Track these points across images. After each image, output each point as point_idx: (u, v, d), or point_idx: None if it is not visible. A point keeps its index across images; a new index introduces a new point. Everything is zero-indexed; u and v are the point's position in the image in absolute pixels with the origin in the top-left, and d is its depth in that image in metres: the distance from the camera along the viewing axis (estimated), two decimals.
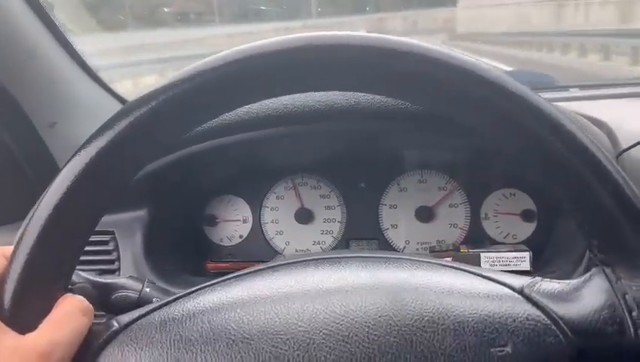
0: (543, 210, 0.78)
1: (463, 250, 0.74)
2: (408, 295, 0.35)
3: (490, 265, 0.72)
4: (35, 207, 0.36)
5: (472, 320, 0.34)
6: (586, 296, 0.35)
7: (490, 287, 0.36)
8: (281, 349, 0.34)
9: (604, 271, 0.36)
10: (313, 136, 0.71)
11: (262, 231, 0.84)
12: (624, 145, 0.68)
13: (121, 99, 0.88)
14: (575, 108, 0.78)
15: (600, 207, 0.34)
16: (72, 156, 0.36)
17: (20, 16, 0.78)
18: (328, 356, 0.33)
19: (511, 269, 0.71)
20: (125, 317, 0.39)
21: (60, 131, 0.81)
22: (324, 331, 0.34)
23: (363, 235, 0.82)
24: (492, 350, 0.33)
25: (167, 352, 0.36)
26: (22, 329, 0.36)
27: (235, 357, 0.34)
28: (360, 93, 0.65)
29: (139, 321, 0.38)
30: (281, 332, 0.35)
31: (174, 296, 0.40)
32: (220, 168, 0.80)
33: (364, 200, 0.82)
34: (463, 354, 0.33)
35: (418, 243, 0.81)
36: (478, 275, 0.37)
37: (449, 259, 0.72)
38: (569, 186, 0.35)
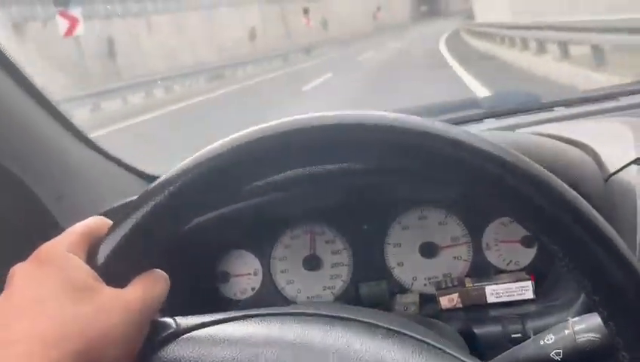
0: None
1: (468, 284, 0.76)
2: None
3: (496, 298, 0.74)
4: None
5: None
6: None
7: None
8: None
9: None
10: (314, 190, 0.74)
11: (273, 281, 0.86)
12: (611, 169, 0.71)
13: (123, 165, 0.90)
14: (560, 131, 0.81)
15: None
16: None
17: (10, 95, 0.81)
18: None
19: (515, 299, 0.74)
20: (184, 321, 0.42)
21: (67, 203, 0.84)
22: None
23: (371, 276, 0.85)
24: None
25: None
26: (116, 285, 0.39)
27: None
28: None
29: (198, 331, 0.41)
30: None
31: (233, 315, 0.43)
32: (226, 228, 0.83)
33: (369, 242, 0.85)
34: None
35: (425, 278, 0.83)
36: None
37: (456, 295, 0.75)
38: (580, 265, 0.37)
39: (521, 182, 0.38)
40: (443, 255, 0.83)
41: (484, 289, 0.74)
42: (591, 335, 0.51)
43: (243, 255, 0.87)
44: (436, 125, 0.39)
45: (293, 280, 0.86)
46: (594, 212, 0.38)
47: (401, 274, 0.84)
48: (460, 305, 0.75)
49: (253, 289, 0.87)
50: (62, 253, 0.39)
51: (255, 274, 0.87)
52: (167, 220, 0.41)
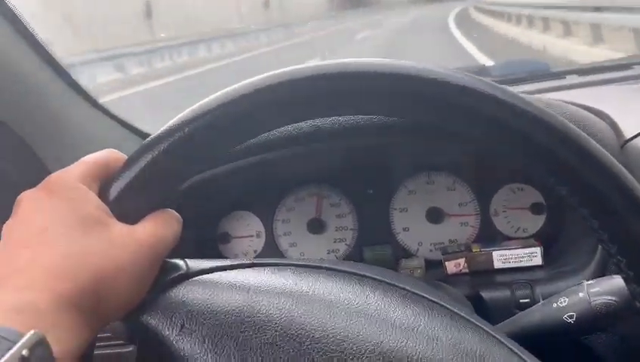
0: (552, 202, 0.79)
1: (475, 249, 0.75)
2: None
3: (503, 263, 0.73)
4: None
5: None
6: None
7: None
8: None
9: None
10: (320, 150, 0.72)
11: (275, 244, 0.85)
12: (627, 135, 0.69)
13: (127, 126, 0.88)
14: (574, 98, 0.79)
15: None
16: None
17: (18, 53, 0.78)
18: None
19: (524, 265, 0.73)
20: (196, 264, 0.41)
21: (68, 164, 0.82)
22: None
23: (376, 241, 0.83)
24: None
25: (227, 317, 0.37)
26: (127, 221, 0.38)
27: (283, 352, 0.35)
28: None
29: (209, 274, 0.40)
30: (331, 344, 0.35)
31: (247, 262, 0.42)
32: (230, 186, 0.81)
33: (375, 206, 0.83)
34: None
35: (431, 244, 0.82)
36: None
37: (462, 260, 0.73)
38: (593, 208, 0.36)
39: (549, 136, 0.37)
40: (450, 221, 0.81)
41: (491, 254, 0.73)
42: (606, 298, 0.49)
43: (245, 216, 0.85)
44: (466, 78, 0.38)
45: (296, 243, 0.84)
46: (615, 162, 0.37)
47: (406, 239, 0.83)
48: (467, 270, 0.74)
49: (255, 251, 0.85)
50: (73, 183, 0.37)
51: (257, 236, 0.85)
52: (184, 159, 0.39)
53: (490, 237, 0.80)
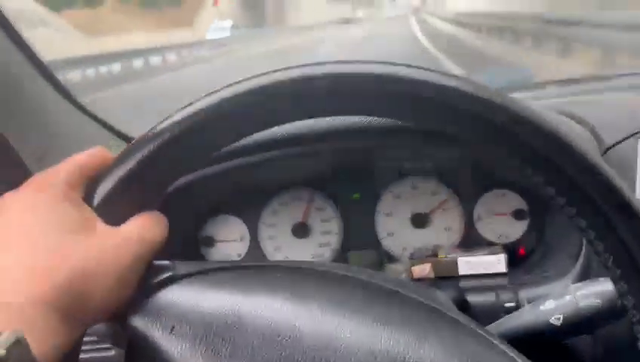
0: (534, 208, 0.80)
1: (441, 256, 0.76)
2: None
3: (469, 269, 0.74)
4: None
5: None
6: None
7: None
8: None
9: None
10: (305, 154, 0.72)
11: (260, 248, 0.84)
12: (609, 142, 0.71)
13: (110, 128, 0.87)
14: (555, 107, 0.81)
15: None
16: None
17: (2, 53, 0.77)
18: None
19: (488, 272, 0.74)
20: (184, 266, 0.40)
21: (49, 164, 0.81)
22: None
23: (360, 245, 0.83)
24: None
25: (215, 319, 0.36)
26: (112, 223, 0.38)
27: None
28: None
29: (198, 276, 0.39)
30: (321, 348, 0.35)
31: (237, 264, 0.41)
32: (214, 190, 0.80)
33: (360, 211, 0.83)
34: None
35: (415, 248, 0.82)
36: None
37: (428, 265, 0.74)
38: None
39: (544, 141, 0.37)
40: (434, 226, 0.82)
41: (456, 260, 0.74)
42: (593, 301, 0.50)
43: (229, 220, 0.85)
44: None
45: (280, 247, 0.84)
46: (607, 168, 0.37)
47: (391, 244, 0.83)
48: (432, 276, 0.75)
49: (239, 255, 0.85)
50: (58, 184, 0.37)
51: (241, 239, 0.85)
52: (172, 162, 0.39)
53: (474, 242, 0.81)
